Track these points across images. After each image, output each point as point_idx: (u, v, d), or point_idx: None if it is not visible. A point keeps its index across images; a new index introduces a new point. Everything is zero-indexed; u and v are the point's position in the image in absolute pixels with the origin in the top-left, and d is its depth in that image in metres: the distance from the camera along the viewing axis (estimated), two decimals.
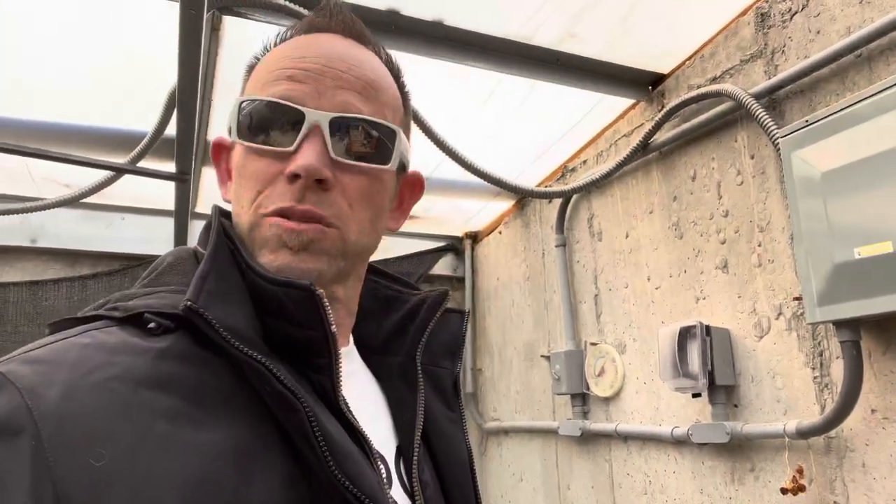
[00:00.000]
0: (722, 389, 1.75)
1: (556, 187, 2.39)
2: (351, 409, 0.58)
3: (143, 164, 2.11)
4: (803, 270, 1.43)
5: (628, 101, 2.21)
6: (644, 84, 2.13)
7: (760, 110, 1.63)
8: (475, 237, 3.38)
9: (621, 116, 2.29)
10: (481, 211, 3.14)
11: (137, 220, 2.90)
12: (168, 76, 1.91)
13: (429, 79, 2.04)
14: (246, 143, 0.59)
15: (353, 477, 0.52)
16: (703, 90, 1.84)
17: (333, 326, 0.55)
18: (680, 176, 2.01)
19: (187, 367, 0.52)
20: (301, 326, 0.55)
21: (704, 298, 1.89)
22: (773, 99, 1.69)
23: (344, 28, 0.65)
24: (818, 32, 1.59)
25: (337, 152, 0.58)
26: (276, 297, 0.55)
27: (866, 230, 1.28)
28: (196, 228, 2.87)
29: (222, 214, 0.65)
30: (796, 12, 1.65)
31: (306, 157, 0.56)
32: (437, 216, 3.17)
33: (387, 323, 0.71)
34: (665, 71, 2.08)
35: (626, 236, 2.22)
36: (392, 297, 0.73)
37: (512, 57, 1.93)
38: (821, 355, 1.54)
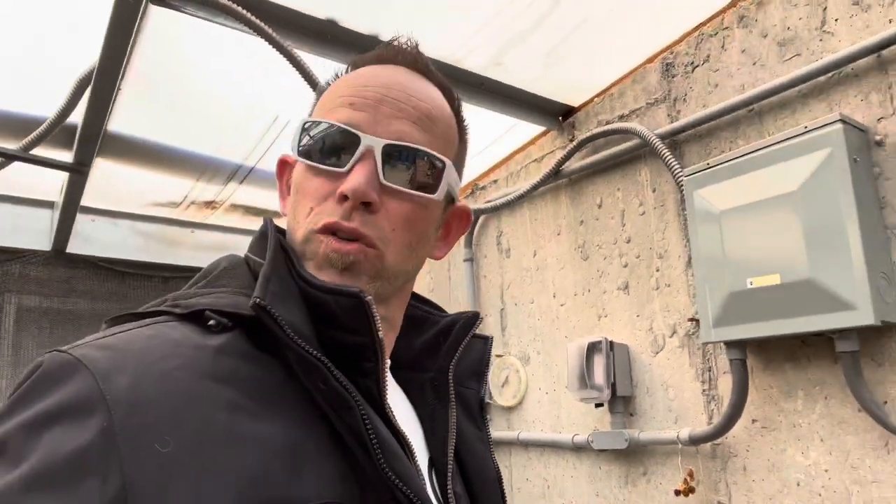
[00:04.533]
0: (621, 400, 1.92)
1: (469, 204, 2.49)
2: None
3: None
4: (701, 296, 1.62)
5: (540, 129, 2.36)
6: (556, 114, 2.29)
7: (665, 150, 1.82)
8: None
9: (532, 142, 2.43)
10: None
11: (8, 210, 2.62)
12: (73, 62, 1.78)
13: None
14: (305, 161, 0.63)
15: (403, 476, 0.53)
16: (614, 126, 2.02)
17: (381, 332, 0.57)
18: (587, 202, 2.18)
19: (245, 364, 0.53)
20: (350, 332, 0.57)
21: (606, 316, 2.06)
22: (675, 140, 1.89)
23: (409, 61, 0.68)
24: (716, 86, 1.81)
25: (387, 177, 0.61)
26: (326, 304, 0.57)
27: (758, 264, 1.49)
28: (82, 223, 2.65)
29: (276, 229, 0.67)
30: (698, 66, 1.87)
31: (356, 179, 0.59)
32: None
33: (417, 341, 0.73)
34: (576, 104, 2.25)
35: (534, 255, 2.36)
36: (422, 317, 0.75)
37: (455, 82, 2.00)
38: (709, 371, 1.75)
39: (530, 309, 2.36)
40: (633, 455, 1.91)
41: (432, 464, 0.67)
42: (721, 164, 1.62)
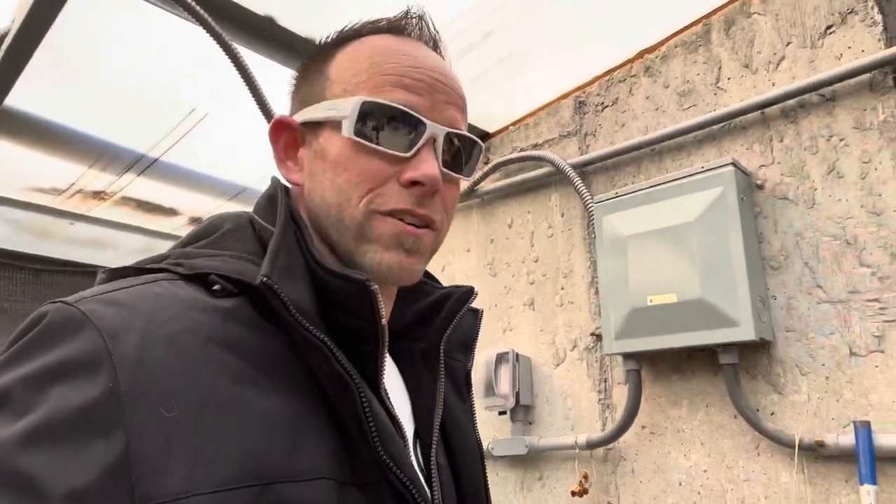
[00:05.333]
0: (522, 408, 2.03)
1: None
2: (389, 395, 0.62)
3: None
4: (605, 311, 1.78)
5: None
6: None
7: (577, 178, 1.99)
8: None
9: None
10: None
11: None
12: None
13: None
14: (363, 142, 0.60)
15: (397, 459, 0.55)
16: (531, 153, 2.17)
17: (384, 319, 0.58)
18: (498, 222, 2.31)
19: (251, 333, 0.53)
20: (353, 316, 0.58)
21: (511, 330, 2.18)
22: (584, 171, 2.07)
23: (432, 41, 0.69)
24: (623, 125, 2.02)
25: (443, 164, 0.62)
26: (332, 286, 0.57)
27: (657, 283, 1.67)
28: None
29: (285, 192, 0.66)
30: (607, 106, 2.07)
31: (430, 168, 0.60)
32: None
33: (410, 310, 0.73)
34: (492, 130, 2.39)
35: (443, 269, 2.44)
36: (415, 287, 0.74)
37: None
38: (605, 381, 1.91)
39: None
40: (531, 461, 2.03)
41: (417, 435, 0.68)
42: (628, 193, 1.81)
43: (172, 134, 2.28)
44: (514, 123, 2.33)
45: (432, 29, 0.69)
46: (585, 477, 1.84)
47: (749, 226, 1.62)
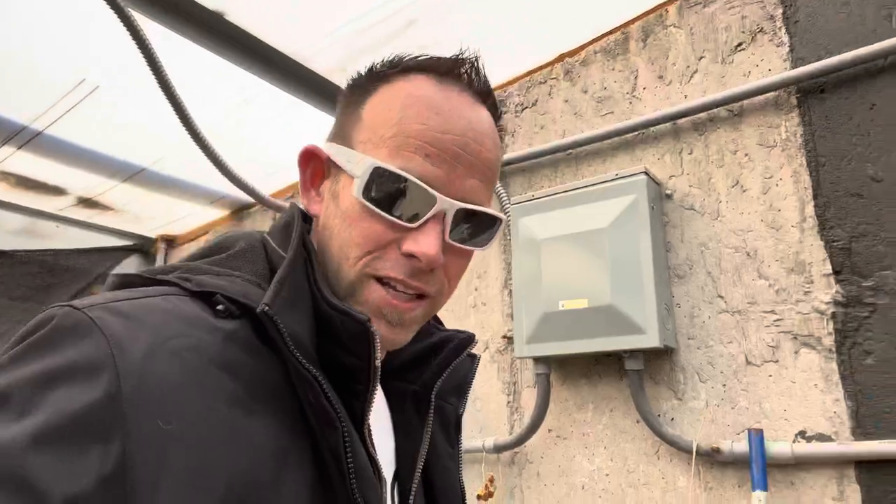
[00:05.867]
0: None
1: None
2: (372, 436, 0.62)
3: None
4: (518, 314, 1.77)
5: None
6: None
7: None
8: (171, 241, 3.13)
9: None
10: (189, 216, 2.93)
11: None
12: None
13: (203, 70, 1.90)
14: (370, 206, 0.60)
15: (370, 503, 0.55)
16: None
17: (378, 360, 0.58)
18: None
19: (250, 357, 0.54)
20: (348, 353, 0.58)
21: None
22: (502, 172, 2.05)
23: (481, 93, 0.66)
24: (542, 128, 2.01)
25: (452, 236, 0.61)
26: (334, 321, 0.58)
27: (570, 288, 1.67)
28: None
29: (303, 219, 0.65)
30: (526, 108, 2.06)
31: (429, 244, 0.59)
32: (135, 212, 2.85)
33: (408, 350, 0.71)
34: None
35: None
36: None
37: (297, 79, 1.96)
38: (514, 385, 1.90)
39: None
40: None
41: (397, 476, 0.67)
42: (544, 196, 1.80)
43: (59, 105, 2.08)
44: None
45: (483, 78, 0.66)
46: (491, 480, 1.82)
47: (658, 234, 1.65)
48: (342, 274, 0.62)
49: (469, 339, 0.74)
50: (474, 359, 0.79)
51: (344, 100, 0.68)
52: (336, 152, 0.64)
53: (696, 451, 1.51)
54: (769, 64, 1.61)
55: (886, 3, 1.47)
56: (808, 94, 1.55)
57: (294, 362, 0.54)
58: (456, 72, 0.65)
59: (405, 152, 0.60)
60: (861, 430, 1.36)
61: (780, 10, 1.62)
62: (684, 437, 1.55)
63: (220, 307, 0.55)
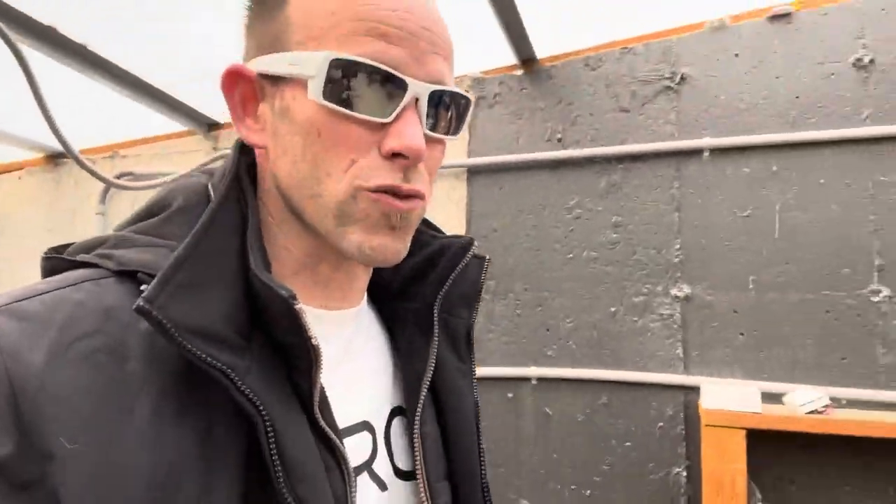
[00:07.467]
0: None
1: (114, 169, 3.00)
2: (355, 377, 0.61)
3: None
4: None
5: (187, 128, 3.05)
6: (204, 123, 3.01)
7: None
8: None
9: (179, 136, 3.09)
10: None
11: None
12: None
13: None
14: (338, 109, 0.52)
15: (305, 501, 0.49)
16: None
17: (314, 339, 0.52)
18: None
19: (175, 349, 0.48)
20: (284, 330, 0.52)
21: None
22: None
23: None
24: None
25: (428, 125, 0.55)
26: (260, 295, 0.52)
27: None
28: None
29: (243, 153, 0.60)
30: None
31: (413, 136, 0.52)
32: None
33: (405, 266, 0.68)
34: (221, 122, 3.02)
35: None
36: (413, 238, 0.65)
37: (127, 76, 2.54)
38: None
39: None
40: None
41: (399, 411, 0.66)
42: None
43: None
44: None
45: None
46: None
47: None
48: (325, 196, 0.54)
49: (468, 243, 0.69)
50: (482, 262, 0.72)
51: (252, 14, 0.59)
52: (270, 61, 0.55)
53: None
54: (456, 150, 2.63)
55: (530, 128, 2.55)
56: (474, 173, 2.61)
57: (191, 357, 0.46)
58: None
59: (357, 38, 0.52)
60: None
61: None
62: None
63: (143, 287, 0.48)
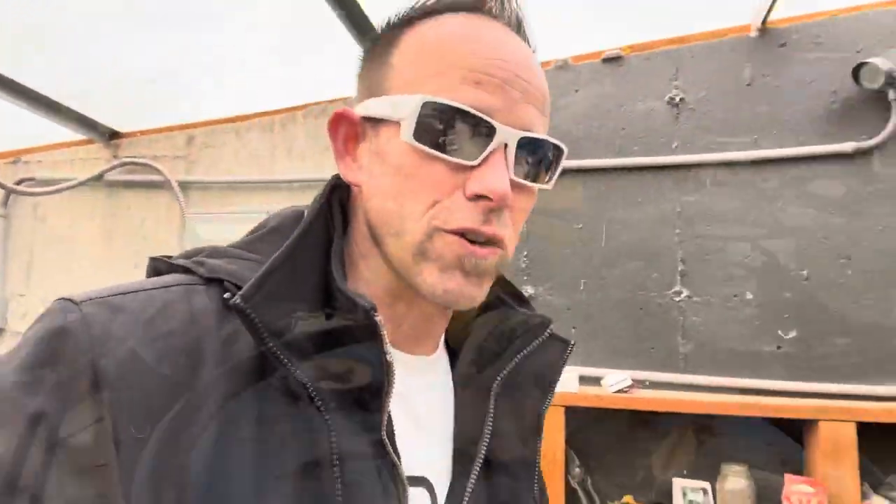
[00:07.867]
0: None
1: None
2: (417, 425, 0.60)
3: None
4: None
5: (87, 137, 3.18)
6: (106, 133, 3.15)
7: (178, 190, 2.99)
8: None
9: (80, 144, 3.22)
10: None
11: None
12: None
13: None
14: (427, 150, 0.54)
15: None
16: (147, 161, 3.06)
17: (389, 356, 0.52)
18: (122, 204, 3.15)
19: (249, 359, 0.50)
20: (358, 346, 0.53)
21: None
22: (187, 186, 3.06)
23: (515, 22, 0.61)
24: (220, 160, 3.06)
25: (516, 172, 0.56)
26: (342, 308, 0.54)
27: None
28: None
29: (335, 189, 0.62)
30: (214, 147, 3.08)
31: (498, 180, 0.53)
32: None
33: (479, 333, 0.68)
34: (123, 132, 3.18)
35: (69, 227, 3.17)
36: (492, 305, 0.69)
37: None
38: None
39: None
40: None
41: (457, 471, 0.62)
42: (222, 213, 2.90)
43: None
44: (143, 133, 3.17)
45: (516, 7, 0.61)
46: None
47: None
48: (406, 235, 0.55)
49: (543, 324, 0.68)
50: (566, 346, 0.70)
51: (366, 60, 0.63)
52: (371, 105, 0.58)
53: None
54: None
55: None
56: None
57: (272, 358, 0.50)
58: (482, 5, 0.59)
59: (452, 83, 0.54)
60: None
61: None
62: None
63: (226, 295, 0.51)
